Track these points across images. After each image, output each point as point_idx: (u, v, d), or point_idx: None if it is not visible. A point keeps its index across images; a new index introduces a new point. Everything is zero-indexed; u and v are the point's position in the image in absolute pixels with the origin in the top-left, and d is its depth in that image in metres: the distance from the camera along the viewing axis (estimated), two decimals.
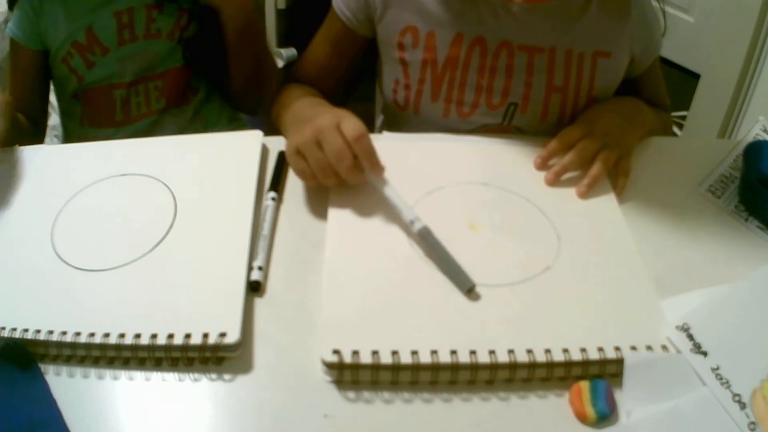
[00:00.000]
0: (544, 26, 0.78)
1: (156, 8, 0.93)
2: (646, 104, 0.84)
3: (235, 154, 0.76)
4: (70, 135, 1.05)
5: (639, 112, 0.82)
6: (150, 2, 0.92)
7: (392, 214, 0.68)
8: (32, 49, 0.92)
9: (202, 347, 0.56)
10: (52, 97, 1.66)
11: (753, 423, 0.52)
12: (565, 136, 0.76)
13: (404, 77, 0.82)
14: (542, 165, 0.75)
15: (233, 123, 1.08)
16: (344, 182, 0.67)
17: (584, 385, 0.55)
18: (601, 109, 0.80)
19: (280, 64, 2.27)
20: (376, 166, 0.66)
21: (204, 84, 1.03)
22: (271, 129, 0.81)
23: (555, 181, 0.73)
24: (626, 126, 0.78)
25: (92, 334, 0.56)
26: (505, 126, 0.83)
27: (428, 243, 0.64)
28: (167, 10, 0.93)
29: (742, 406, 0.53)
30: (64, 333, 0.57)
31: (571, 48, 0.79)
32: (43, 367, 0.57)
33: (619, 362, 0.56)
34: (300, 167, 0.68)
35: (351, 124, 0.65)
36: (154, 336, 0.56)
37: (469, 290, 0.60)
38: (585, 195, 0.72)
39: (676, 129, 1.98)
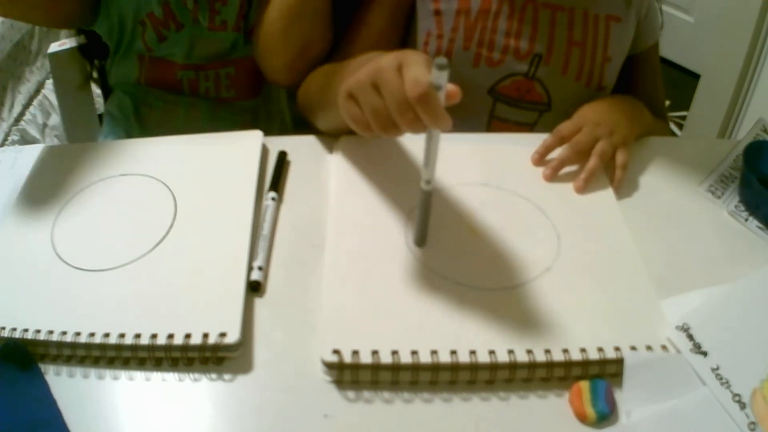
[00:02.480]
0: None
1: (220, 1, 0.89)
2: (644, 105, 0.86)
3: (235, 154, 0.76)
4: (124, 97, 0.99)
5: (636, 108, 0.84)
6: None
7: (392, 214, 0.68)
8: None
9: (202, 347, 0.56)
10: (52, 97, 1.66)
11: (753, 423, 0.52)
12: (560, 130, 0.77)
13: (437, 28, 0.84)
14: (539, 161, 0.76)
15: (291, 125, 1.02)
16: (398, 134, 0.58)
17: (584, 385, 0.55)
18: (597, 105, 0.81)
19: None
20: (444, 124, 0.54)
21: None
22: (271, 129, 0.81)
23: (553, 177, 0.74)
24: (621, 118, 0.79)
25: (92, 334, 0.56)
26: (529, 78, 0.85)
27: (422, 202, 0.62)
28: (231, 3, 0.89)
29: (742, 406, 0.53)
30: (64, 333, 0.57)
31: (588, 9, 0.84)
32: (43, 367, 0.57)
33: (619, 362, 0.56)
34: (352, 113, 0.59)
35: (414, 71, 0.53)
36: (154, 336, 0.56)
37: (417, 243, 0.64)
38: (583, 190, 0.72)
39: (676, 129, 1.98)
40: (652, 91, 0.92)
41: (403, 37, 0.89)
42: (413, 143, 0.78)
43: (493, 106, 0.87)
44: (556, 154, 0.75)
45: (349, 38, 0.86)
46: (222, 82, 0.95)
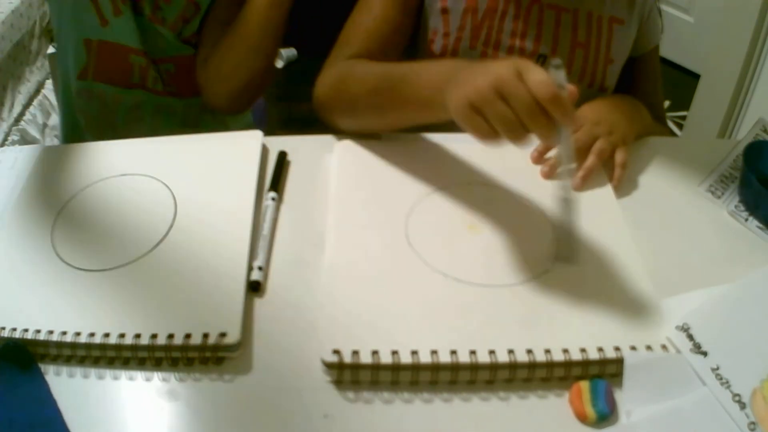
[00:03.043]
0: None
1: (194, 6, 0.91)
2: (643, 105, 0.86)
3: (235, 154, 0.76)
4: (65, 92, 1.00)
5: (635, 108, 0.84)
6: None
7: (393, 213, 0.68)
8: None
9: (202, 347, 0.56)
10: (52, 97, 1.66)
11: (753, 423, 0.52)
12: None
13: (443, 26, 0.85)
14: (539, 159, 0.76)
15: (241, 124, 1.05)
16: (529, 141, 0.57)
17: (584, 385, 0.55)
18: (596, 104, 0.81)
19: (280, 64, 2.26)
20: (572, 118, 0.56)
21: None
22: (271, 129, 0.81)
23: (551, 174, 0.74)
24: (620, 118, 0.79)
25: (92, 334, 0.56)
26: None
27: (565, 212, 0.62)
28: (199, 15, 0.91)
29: (742, 406, 0.53)
30: (64, 333, 0.57)
31: (592, 11, 0.85)
32: (43, 367, 0.57)
33: (619, 362, 0.56)
34: (478, 125, 0.58)
35: (536, 74, 0.55)
36: (154, 336, 0.56)
37: (564, 259, 0.63)
38: (580, 188, 0.73)
39: (676, 129, 1.98)
40: (653, 94, 0.92)
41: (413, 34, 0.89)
42: (413, 143, 0.78)
43: None
44: (555, 152, 0.75)
45: (358, 30, 0.84)
46: (164, 77, 0.96)
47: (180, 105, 0.98)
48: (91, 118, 0.98)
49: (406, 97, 0.70)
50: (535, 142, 0.77)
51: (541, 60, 0.84)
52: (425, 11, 0.86)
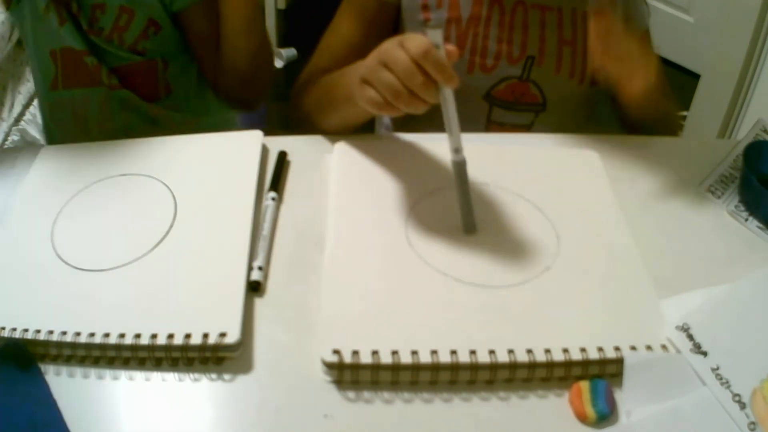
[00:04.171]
0: None
1: (127, 13, 0.90)
2: None
3: (235, 154, 0.76)
4: (42, 102, 1.01)
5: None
6: (124, 3, 0.89)
7: (393, 213, 0.68)
8: None
9: (202, 347, 0.56)
10: None
11: (753, 423, 0.52)
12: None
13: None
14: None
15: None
16: (419, 105, 0.61)
17: (584, 385, 0.55)
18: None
19: (280, 64, 2.27)
20: (451, 78, 0.59)
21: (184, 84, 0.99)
22: (271, 129, 0.81)
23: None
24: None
25: (92, 334, 0.56)
26: (523, 80, 0.86)
27: (457, 175, 0.65)
28: (137, 20, 0.90)
29: (742, 406, 0.53)
30: (64, 333, 0.57)
31: (576, 8, 0.85)
32: (43, 367, 0.57)
33: (619, 362, 0.56)
34: (368, 95, 0.63)
35: (414, 39, 0.59)
36: (154, 336, 0.56)
37: (468, 232, 0.65)
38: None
39: None
40: None
41: None
42: (413, 143, 0.78)
43: (489, 111, 0.88)
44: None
45: (325, 48, 0.87)
46: (119, 77, 0.94)
47: (143, 104, 0.97)
48: (66, 128, 0.98)
49: (336, 97, 0.76)
50: (536, 143, 0.77)
51: (530, 62, 0.84)
52: (403, 26, 0.86)
